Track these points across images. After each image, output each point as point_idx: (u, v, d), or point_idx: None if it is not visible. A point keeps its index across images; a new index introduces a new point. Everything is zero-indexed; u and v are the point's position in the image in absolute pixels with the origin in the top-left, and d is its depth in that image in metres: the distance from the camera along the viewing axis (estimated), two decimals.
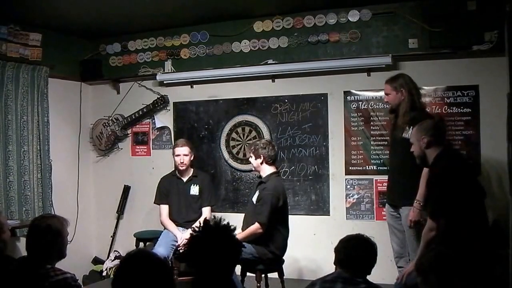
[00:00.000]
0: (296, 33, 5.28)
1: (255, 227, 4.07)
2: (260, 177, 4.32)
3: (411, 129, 3.59)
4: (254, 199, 4.23)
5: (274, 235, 4.12)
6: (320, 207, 5.25)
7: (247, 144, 5.35)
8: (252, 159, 4.28)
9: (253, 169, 4.35)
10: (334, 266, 2.73)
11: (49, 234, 2.62)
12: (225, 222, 2.27)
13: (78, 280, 2.79)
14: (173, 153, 4.91)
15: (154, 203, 4.99)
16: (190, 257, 2.21)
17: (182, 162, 4.81)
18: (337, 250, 2.69)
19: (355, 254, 2.61)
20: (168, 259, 4.50)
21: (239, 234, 4.08)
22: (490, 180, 4.63)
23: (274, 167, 4.30)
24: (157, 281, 1.93)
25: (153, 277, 1.93)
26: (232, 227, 2.27)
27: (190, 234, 2.23)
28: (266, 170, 4.23)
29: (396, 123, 4.04)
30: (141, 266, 1.95)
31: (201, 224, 2.23)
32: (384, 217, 4.90)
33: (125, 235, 5.86)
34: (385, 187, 4.76)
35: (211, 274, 2.15)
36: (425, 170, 3.51)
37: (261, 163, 4.22)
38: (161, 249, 4.47)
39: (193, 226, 2.34)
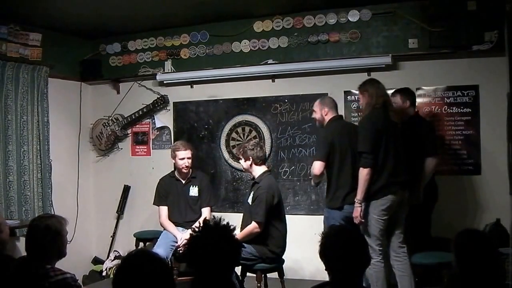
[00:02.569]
0: (296, 33, 5.28)
1: (252, 226, 4.08)
2: (253, 178, 4.33)
3: None
4: (250, 200, 4.24)
5: (272, 233, 4.13)
6: (320, 207, 5.23)
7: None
8: (242, 162, 4.33)
9: (244, 171, 4.38)
10: None
11: (48, 235, 2.61)
12: (224, 222, 2.27)
13: (78, 280, 2.78)
14: (174, 156, 4.83)
15: (153, 204, 4.98)
16: (190, 257, 2.21)
17: (187, 166, 4.79)
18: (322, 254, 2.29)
19: (340, 253, 2.21)
20: (167, 260, 4.49)
21: (237, 235, 4.08)
22: (490, 180, 4.64)
23: (265, 166, 4.34)
24: (158, 280, 1.93)
25: (153, 277, 1.93)
26: (231, 227, 2.27)
27: (190, 234, 2.23)
28: (257, 170, 4.26)
29: None
30: (141, 265, 1.94)
31: (201, 224, 2.24)
32: None
33: (125, 235, 5.86)
34: None
35: (210, 274, 2.15)
36: (361, 170, 3.79)
37: (251, 165, 4.26)
38: (160, 250, 4.46)
39: (193, 226, 2.34)
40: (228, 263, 2.21)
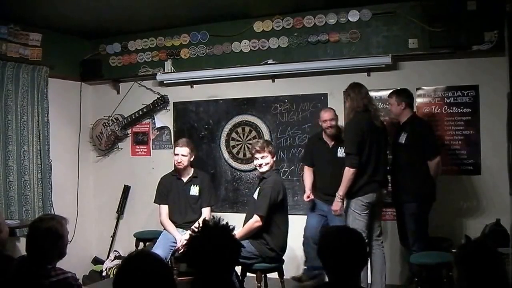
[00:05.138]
0: (296, 33, 5.28)
1: (254, 220, 4.08)
2: (259, 175, 4.35)
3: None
4: (255, 195, 4.25)
5: (273, 230, 4.13)
6: None
7: (248, 145, 5.36)
8: (269, 159, 4.24)
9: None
10: None
11: (49, 237, 2.60)
12: (224, 222, 2.28)
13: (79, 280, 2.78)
14: (173, 152, 4.92)
15: (154, 202, 4.98)
16: (190, 257, 2.22)
17: (180, 162, 4.79)
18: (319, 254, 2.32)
19: (336, 252, 2.22)
20: (166, 260, 4.49)
21: (238, 231, 4.09)
22: (490, 180, 4.64)
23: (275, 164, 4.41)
24: (158, 281, 1.93)
25: (154, 278, 1.93)
26: (231, 227, 2.27)
27: (190, 234, 2.24)
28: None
29: None
30: (142, 266, 1.95)
31: (200, 224, 2.24)
32: (384, 217, 4.91)
33: (125, 235, 5.86)
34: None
35: (210, 274, 2.15)
36: (347, 169, 4.09)
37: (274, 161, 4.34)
38: (159, 251, 4.44)
39: (192, 227, 2.35)
40: (227, 263, 2.21)
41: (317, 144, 4.88)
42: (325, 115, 4.73)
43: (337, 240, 2.26)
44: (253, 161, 4.46)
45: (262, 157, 4.25)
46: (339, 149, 4.66)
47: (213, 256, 2.14)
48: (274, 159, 4.32)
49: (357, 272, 2.25)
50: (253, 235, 4.10)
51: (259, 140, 4.56)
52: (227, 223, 2.29)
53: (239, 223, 4.21)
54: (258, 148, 4.27)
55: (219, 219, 2.30)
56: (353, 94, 4.27)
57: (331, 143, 4.77)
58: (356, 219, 4.12)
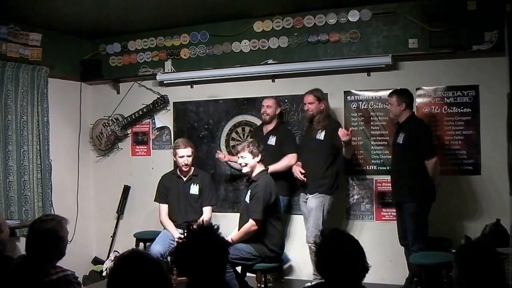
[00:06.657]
0: (296, 33, 5.28)
1: (250, 224, 4.07)
2: (249, 178, 4.31)
3: (324, 132, 4.62)
4: (247, 199, 4.22)
5: (270, 232, 4.12)
6: None
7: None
8: (248, 159, 4.20)
9: (248, 170, 4.23)
10: None
11: (50, 239, 2.60)
12: (207, 224, 2.31)
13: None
14: (175, 154, 4.88)
15: (154, 201, 4.99)
16: (180, 265, 2.24)
17: (186, 164, 4.80)
18: (317, 260, 2.22)
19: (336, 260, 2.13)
20: (164, 255, 4.50)
21: (235, 235, 4.09)
22: (490, 180, 4.63)
23: (263, 165, 4.33)
24: (152, 280, 1.93)
25: (147, 277, 1.92)
26: (215, 227, 2.29)
27: (176, 242, 2.26)
28: (258, 169, 4.24)
29: (311, 127, 4.75)
30: (135, 266, 1.94)
31: (185, 230, 2.28)
32: (384, 217, 4.92)
33: (125, 235, 5.86)
34: (385, 187, 4.90)
35: (202, 276, 2.16)
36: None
37: (258, 162, 4.23)
38: (158, 246, 4.46)
39: (179, 235, 2.38)
40: (217, 263, 2.22)
41: (256, 133, 5.17)
42: (264, 101, 5.08)
43: (335, 249, 2.14)
44: None
45: (241, 157, 4.23)
46: (270, 137, 4.94)
47: (202, 259, 2.17)
48: (259, 159, 4.21)
49: (359, 280, 2.16)
50: (251, 238, 4.09)
51: (246, 140, 4.59)
52: (210, 223, 2.34)
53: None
54: (239, 149, 4.29)
55: (203, 221, 2.34)
56: (326, 101, 4.75)
57: (265, 131, 5.03)
58: (325, 215, 4.51)
